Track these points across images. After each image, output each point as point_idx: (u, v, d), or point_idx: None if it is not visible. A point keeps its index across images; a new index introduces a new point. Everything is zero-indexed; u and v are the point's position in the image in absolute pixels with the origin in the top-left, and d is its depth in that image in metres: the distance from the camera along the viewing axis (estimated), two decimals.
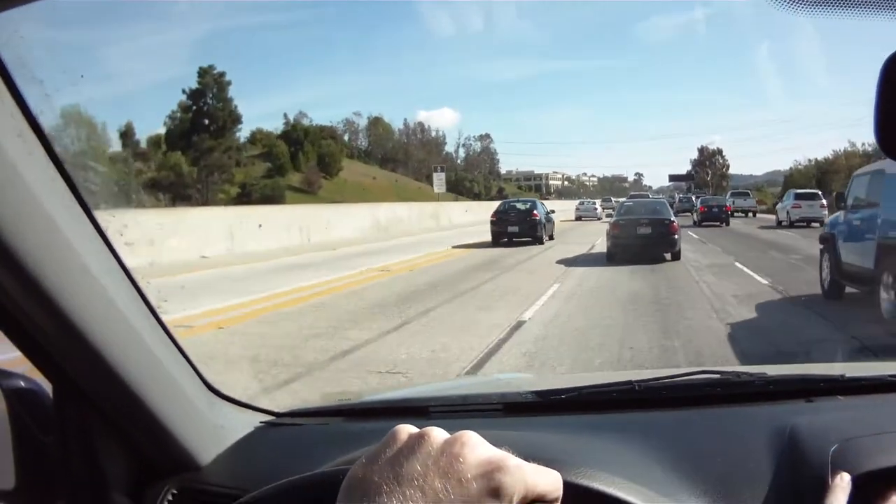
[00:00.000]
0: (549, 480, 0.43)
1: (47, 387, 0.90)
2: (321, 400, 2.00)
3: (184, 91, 54.47)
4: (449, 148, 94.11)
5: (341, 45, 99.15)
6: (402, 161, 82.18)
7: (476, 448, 0.43)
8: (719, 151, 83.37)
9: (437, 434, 0.44)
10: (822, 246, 7.95)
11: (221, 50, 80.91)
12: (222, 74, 55.19)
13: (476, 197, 75.07)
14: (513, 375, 3.96)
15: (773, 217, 24.27)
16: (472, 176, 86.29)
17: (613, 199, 29.55)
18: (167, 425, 0.95)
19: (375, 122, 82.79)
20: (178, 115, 53.99)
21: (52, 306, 0.77)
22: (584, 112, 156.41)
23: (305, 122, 72.48)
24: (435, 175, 43.80)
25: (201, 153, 50.42)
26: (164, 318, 0.95)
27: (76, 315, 0.79)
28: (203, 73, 54.92)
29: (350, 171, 67.59)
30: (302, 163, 59.44)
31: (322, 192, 57.11)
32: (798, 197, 21.28)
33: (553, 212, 19.51)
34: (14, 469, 0.87)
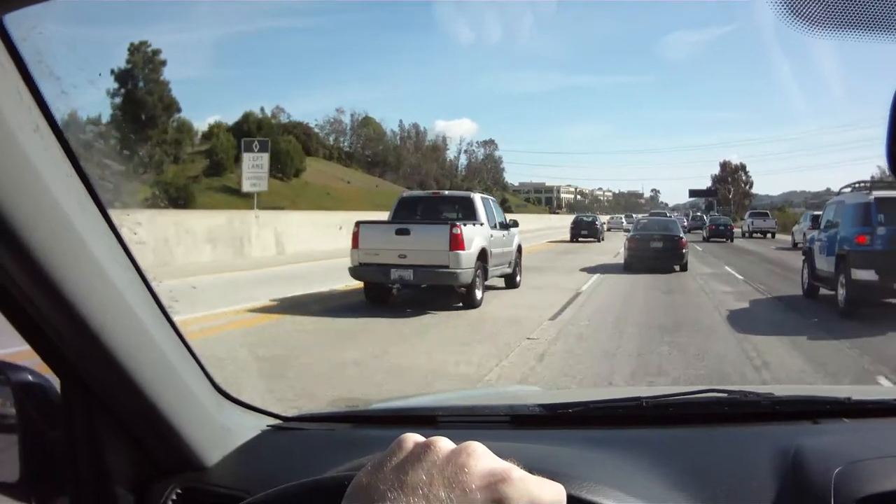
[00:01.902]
0: (552, 493, 0.48)
1: (55, 382, 1.00)
2: (329, 405, 2.15)
3: (112, 72, 48.30)
4: (452, 154, 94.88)
5: (363, 52, 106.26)
6: (392, 165, 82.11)
7: (481, 459, 0.48)
8: (742, 167, 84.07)
9: (443, 444, 0.49)
10: (803, 257, 11.86)
11: (240, 52, 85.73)
12: (156, 52, 49.28)
13: None
14: (521, 388, 4.29)
15: (790, 238, 26.09)
16: (468, 185, 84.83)
17: (634, 216, 35.96)
18: (174, 424, 1.05)
19: (365, 123, 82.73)
20: (109, 101, 49.06)
21: (63, 302, 0.85)
22: (603, 127, 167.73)
23: (282, 116, 71.71)
24: (245, 157, 26.02)
25: (126, 146, 44.19)
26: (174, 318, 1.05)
27: (87, 312, 0.87)
28: (133, 49, 48.74)
29: (319, 173, 65.99)
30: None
31: (264, 196, 52.94)
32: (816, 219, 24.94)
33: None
34: (19, 462, 0.97)
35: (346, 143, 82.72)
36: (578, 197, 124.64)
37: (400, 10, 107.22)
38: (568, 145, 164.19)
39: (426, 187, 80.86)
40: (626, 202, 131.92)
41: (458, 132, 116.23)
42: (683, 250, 16.34)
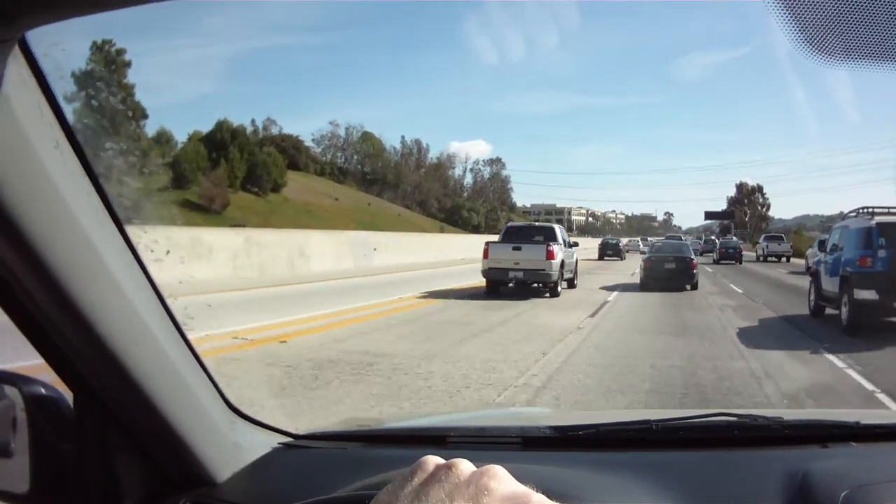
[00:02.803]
0: None
1: (68, 395, 1.04)
2: (340, 424, 2.27)
3: (73, 74, 48.42)
4: (458, 172, 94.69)
5: (376, 71, 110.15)
6: (391, 183, 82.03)
7: (503, 482, 0.51)
8: (759, 189, 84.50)
9: (465, 466, 0.52)
10: (810, 278, 13.27)
11: (255, 67, 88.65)
12: (120, 52, 46.55)
13: (474, 230, 73.20)
14: (532, 409, 4.46)
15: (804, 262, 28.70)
16: (471, 205, 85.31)
17: (649, 239, 41.36)
18: (186, 440, 1.10)
19: (364, 138, 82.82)
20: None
21: (78, 317, 0.89)
22: (616, 148, 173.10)
23: (274, 129, 71.16)
24: None
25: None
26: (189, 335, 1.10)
27: (103, 327, 0.92)
28: (96, 48, 45.38)
29: (306, 188, 65.00)
30: (224, 173, 54.08)
31: (232, 212, 51.42)
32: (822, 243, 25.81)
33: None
34: (29, 473, 1.01)
35: (341, 159, 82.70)
36: (590, 219, 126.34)
37: (413, 29, 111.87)
38: (581, 167, 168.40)
39: (427, 207, 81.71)
40: (638, 225, 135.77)
41: (472, 153, 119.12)
42: (694, 271, 18.73)
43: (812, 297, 12.92)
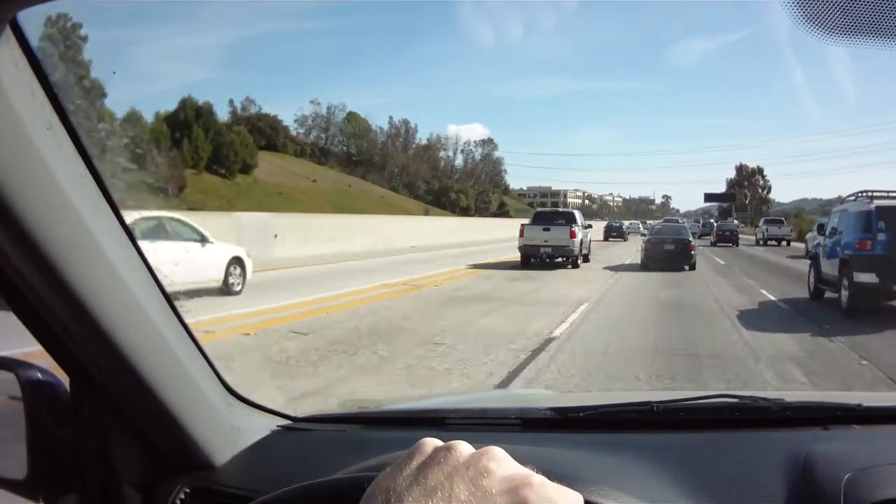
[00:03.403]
0: (571, 500, 0.52)
1: (65, 380, 1.07)
2: (339, 407, 2.30)
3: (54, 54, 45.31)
4: (449, 153, 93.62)
5: (373, 55, 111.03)
6: (377, 165, 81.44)
7: (502, 463, 0.53)
8: (759, 171, 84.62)
9: (464, 448, 0.54)
10: (809, 262, 13.85)
11: (253, 54, 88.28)
12: (77, 27, 43.30)
13: (463, 212, 72.91)
14: (532, 391, 4.51)
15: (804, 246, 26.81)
16: (460, 186, 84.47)
17: (649, 223, 45.84)
18: (183, 424, 1.12)
19: (349, 118, 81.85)
20: None
21: (74, 301, 0.92)
22: (613, 132, 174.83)
23: (253, 109, 70.22)
24: None
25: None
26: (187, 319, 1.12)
27: (98, 311, 0.94)
28: (51, 23, 42.17)
29: (281, 170, 63.30)
30: (186, 153, 51.57)
31: (192, 195, 48.12)
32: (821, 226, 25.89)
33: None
34: (27, 459, 1.04)
35: (323, 139, 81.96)
36: (587, 202, 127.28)
37: (410, 14, 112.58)
38: (578, 150, 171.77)
39: (414, 189, 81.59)
40: (636, 208, 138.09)
41: (469, 136, 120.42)
42: (692, 252, 20.60)
43: (811, 281, 13.40)
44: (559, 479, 0.54)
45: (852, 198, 12.48)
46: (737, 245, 34.76)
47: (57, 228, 0.87)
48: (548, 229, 20.44)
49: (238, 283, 12.09)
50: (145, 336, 1.04)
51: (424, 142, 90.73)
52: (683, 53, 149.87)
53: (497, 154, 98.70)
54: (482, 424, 1.44)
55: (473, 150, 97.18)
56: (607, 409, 1.44)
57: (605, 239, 40.97)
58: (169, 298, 1.11)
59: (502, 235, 36.60)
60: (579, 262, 20.76)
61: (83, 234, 0.92)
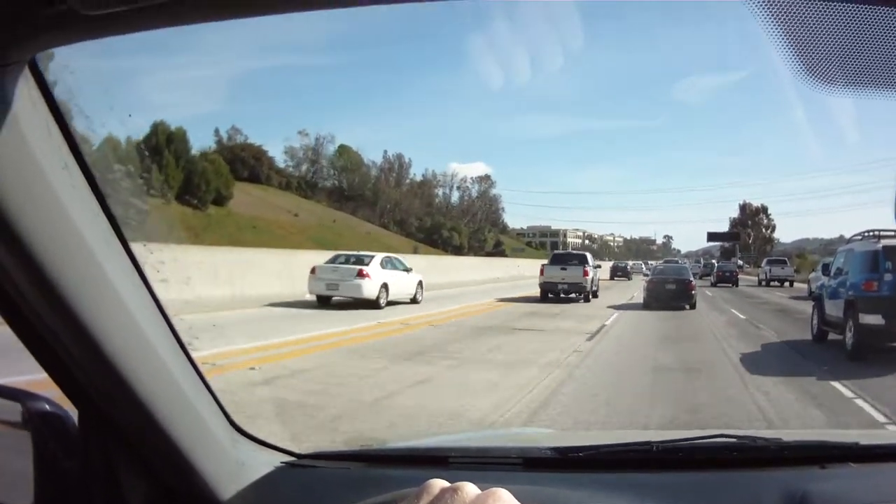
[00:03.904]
0: None
1: (73, 413, 1.11)
2: (343, 444, 2.31)
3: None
4: (445, 190, 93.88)
5: (374, 93, 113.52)
6: (368, 200, 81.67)
7: None
8: (763, 209, 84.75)
9: (470, 489, 0.57)
10: (812, 303, 13.72)
11: (256, 88, 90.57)
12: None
13: (456, 250, 72.41)
14: (533, 430, 4.60)
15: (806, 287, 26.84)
16: (453, 224, 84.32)
17: (651, 263, 51.17)
18: (189, 458, 1.17)
19: (340, 152, 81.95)
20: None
21: (85, 336, 0.96)
22: (616, 172, 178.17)
23: (239, 139, 69.89)
24: None
25: None
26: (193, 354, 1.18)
27: (108, 346, 0.99)
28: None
29: (261, 202, 62.20)
30: (156, 181, 49.84)
31: (155, 225, 47.84)
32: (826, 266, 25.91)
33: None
34: (34, 490, 1.08)
35: (310, 172, 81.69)
36: (587, 242, 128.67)
37: (417, 54, 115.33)
38: (580, 189, 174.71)
39: (406, 226, 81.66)
40: (637, 248, 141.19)
41: (468, 174, 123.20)
42: (693, 292, 22.06)
43: (815, 322, 13.33)
44: None
45: (858, 237, 12.48)
46: (736, 285, 36.43)
47: (70, 265, 0.92)
48: (564, 269, 24.32)
49: (420, 297, 20.75)
50: (153, 371, 1.08)
51: (420, 178, 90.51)
52: (686, 92, 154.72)
53: (494, 192, 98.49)
54: (484, 463, 1.48)
55: (470, 186, 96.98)
56: (608, 448, 1.48)
57: (611, 278, 46.31)
58: (177, 334, 1.16)
59: (495, 275, 37.90)
60: (591, 297, 24.64)
61: (95, 271, 0.97)
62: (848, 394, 8.06)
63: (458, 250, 74.20)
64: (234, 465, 1.31)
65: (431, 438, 2.61)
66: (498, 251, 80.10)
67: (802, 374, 9.51)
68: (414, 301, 20.18)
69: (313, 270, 18.24)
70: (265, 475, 1.38)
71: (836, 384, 8.56)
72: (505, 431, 4.71)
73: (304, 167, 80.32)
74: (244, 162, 67.24)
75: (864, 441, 1.48)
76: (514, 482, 1.11)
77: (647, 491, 1.26)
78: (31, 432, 1.10)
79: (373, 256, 19.39)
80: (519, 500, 0.57)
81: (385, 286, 18.56)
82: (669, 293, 21.82)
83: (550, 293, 24.07)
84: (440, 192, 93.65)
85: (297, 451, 1.52)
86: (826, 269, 13.70)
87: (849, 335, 11.15)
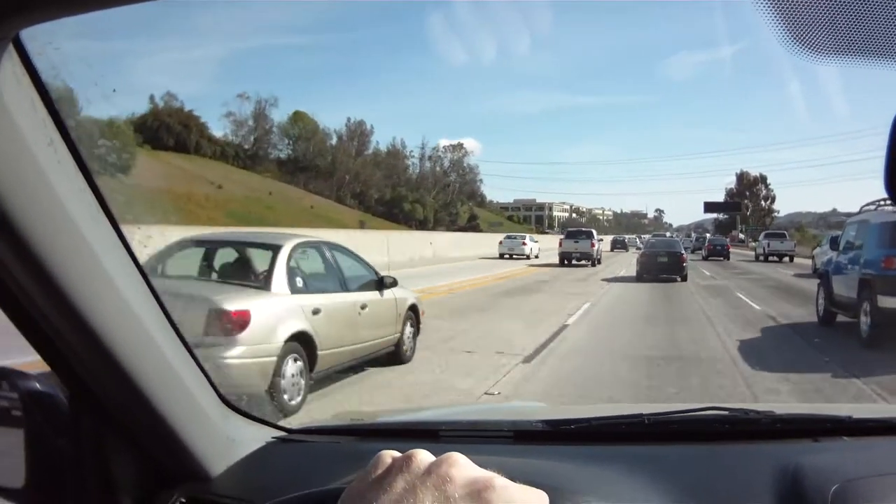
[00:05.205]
0: (535, 500, 0.59)
1: (64, 392, 1.20)
2: (333, 419, 2.51)
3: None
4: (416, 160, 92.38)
5: (368, 71, 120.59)
6: (323, 171, 79.65)
7: (463, 468, 0.59)
8: (763, 179, 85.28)
9: (423, 456, 0.61)
10: (818, 281, 13.25)
11: (240, 69, 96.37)
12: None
13: (420, 225, 70.98)
14: (525, 403, 4.73)
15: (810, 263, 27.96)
16: (415, 196, 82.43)
17: (643, 237, 60.08)
18: (180, 435, 1.27)
19: (296, 119, 79.60)
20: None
21: (73, 314, 1.03)
22: (605, 148, 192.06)
23: (175, 104, 67.78)
24: None
25: None
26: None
27: (98, 325, 1.07)
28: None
29: (182, 173, 59.95)
30: None
31: None
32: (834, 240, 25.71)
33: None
34: (25, 469, 1.17)
35: (253, 140, 79.64)
36: (574, 215, 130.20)
37: (399, 30, 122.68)
38: (570, 165, 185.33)
39: (366, 199, 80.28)
40: (627, 222, 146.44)
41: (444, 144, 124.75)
42: (684, 264, 24.41)
43: (821, 303, 12.82)
44: (549, 490, 0.62)
45: (871, 207, 11.72)
46: (727, 258, 40.00)
47: (57, 243, 0.98)
48: (577, 241, 35.34)
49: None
50: (143, 349, 1.17)
51: (388, 147, 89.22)
52: (677, 67, 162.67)
53: (469, 161, 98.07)
54: (475, 437, 1.59)
55: (442, 156, 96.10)
56: (599, 421, 1.60)
57: (612, 250, 57.91)
58: (167, 311, 1.24)
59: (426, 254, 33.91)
60: (596, 263, 34.71)
61: (83, 248, 1.03)
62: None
63: (422, 225, 72.74)
64: (225, 441, 1.41)
65: (423, 412, 2.76)
66: (471, 226, 78.98)
67: (810, 366, 8.93)
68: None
69: None
70: (255, 451, 1.49)
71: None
72: (499, 405, 4.97)
73: (250, 135, 78.65)
74: (170, 129, 65.30)
75: (856, 415, 1.58)
76: (505, 455, 1.36)
77: (637, 463, 1.35)
78: (22, 412, 1.17)
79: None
80: (510, 473, 0.60)
81: None
82: (661, 265, 24.39)
83: (566, 260, 34.70)
84: (411, 163, 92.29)
85: (287, 426, 1.63)
86: (834, 242, 13.04)
87: (864, 320, 10.52)
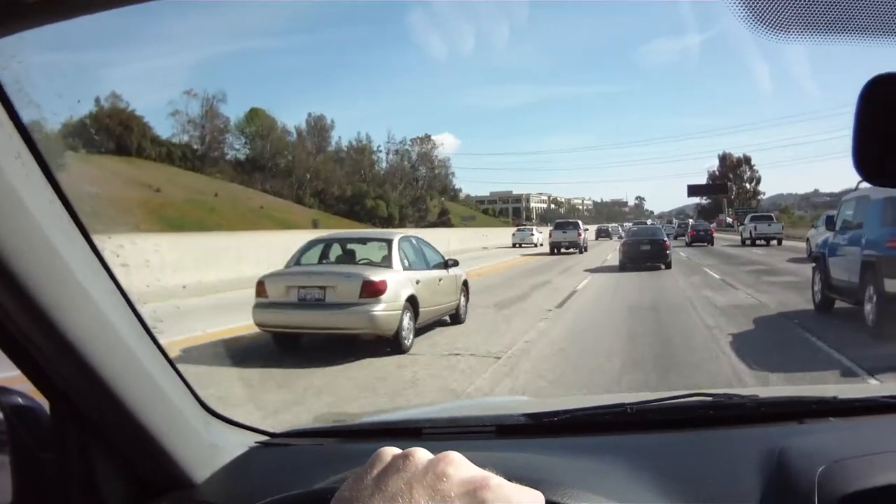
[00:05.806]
0: (530, 499, 0.61)
1: (45, 405, 1.25)
2: (315, 421, 2.63)
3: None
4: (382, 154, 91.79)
5: (343, 69, 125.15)
6: (281, 170, 78.77)
7: (460, 467, 0.61)
8: (747, 160, 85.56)
9: (421, 454, 0.63)
10: (813, 264, 12.70)
11: (219, 74, 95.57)
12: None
13: (385, 222, 70.14)
14: (508, 398, 4.98)
15: (804, 246, 26.95)
16: (378, 191, 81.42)
17: (625, 225, 64.22)
18: (162, 444, 1.32)
19: (252, 116, 78.48)
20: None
21: (49, 326, 1.06)
22: (584, 137, 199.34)
23: (121, 104, 66.64)
24: None
25: None
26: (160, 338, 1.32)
27: (74, 335, 1.10)
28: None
29: (114, 177, 57.21)
30: None
31: None
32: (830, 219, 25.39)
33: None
34: (11, 483, 1.22)
35: (203, 140, 78.58)
36: (552, 206, 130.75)
37: (376, 28, 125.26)
38: (549, 154, 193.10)
39: (327, 197, 79.00)
40: (608, 211, 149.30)
41: (439, 147, 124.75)
42: (667, 251, 25.43)
43: (817, 288, 12.31)
44: (532, 484, 0.64)
45: (853, 189, 11.58)
46: (711, 244, 41.86)
47: (29, 255, 1.01)
48: (565, 232, 40.41)
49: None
50: (120, 358, 1.21)
51: (349, 143, 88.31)
52: (650, 56, 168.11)
53: (440, 155, 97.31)
54: (458, 433, 1.65)
55: (410, 149, 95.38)
56: (582, 412, 1.65)
57: (596, 238, 63.63)
58: (142, 319, 1.29)
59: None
60: (583, 251, 39.08)
61: (55, 261, 1.06)
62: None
63: (386, 222, 71.74)
64: (208, 448, 1.46)
65: (405, 411, 2.85)
66: (442, 221, 78.05)
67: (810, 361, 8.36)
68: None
69: None
70: (238, 456, 1.54)
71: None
72: (481, 401, 4.98)
73: (205, 136, 77.19)
74: (109, 131, 63.73)
75: (842, 395, 1.64)
76: (489, 450, 1.39)
77: (622, 452, 1.39)
78: (6, 427, 1.21)
79: None
80: (493, 467, 0.63)
81: None
82: (644, 254, 25.35)
83: (556, 249, 39.61)
84: (377, 158, 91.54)
85: (270, 430, 1.68)
86: (830, 222, 12.40)
87: (868, 306, 9.97)
